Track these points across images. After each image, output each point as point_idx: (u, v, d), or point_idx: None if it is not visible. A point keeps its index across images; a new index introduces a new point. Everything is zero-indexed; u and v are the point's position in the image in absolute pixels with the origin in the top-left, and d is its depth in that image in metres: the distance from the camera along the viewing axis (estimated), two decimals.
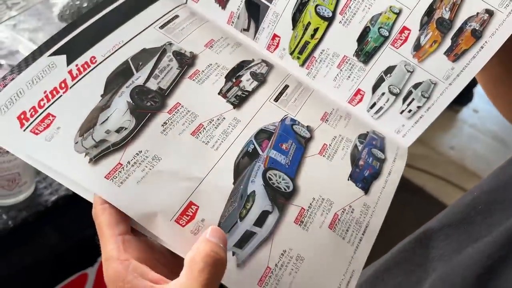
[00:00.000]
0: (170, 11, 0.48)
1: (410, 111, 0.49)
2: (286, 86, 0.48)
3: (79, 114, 0.37)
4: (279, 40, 0.50)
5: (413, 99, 0.48)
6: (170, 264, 0.35)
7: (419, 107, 0.48)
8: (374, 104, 0.50)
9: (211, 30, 0.49)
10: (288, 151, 0.43)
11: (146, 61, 0.42)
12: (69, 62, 0.39)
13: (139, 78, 0.41)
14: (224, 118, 0.42)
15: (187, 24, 0.48)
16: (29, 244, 0.70)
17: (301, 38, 0.49)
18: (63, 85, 0.38)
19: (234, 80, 0.46)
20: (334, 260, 0.39)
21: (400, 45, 0.47)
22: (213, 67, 0.46)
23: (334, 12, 0.47)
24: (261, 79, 0.48)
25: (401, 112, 0.49)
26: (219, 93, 0.44)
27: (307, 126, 0.46)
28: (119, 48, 0.42)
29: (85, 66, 0.39)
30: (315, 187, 0.42)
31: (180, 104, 0.41)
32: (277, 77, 0.49)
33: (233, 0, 0.49)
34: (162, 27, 0.46)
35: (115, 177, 0.35)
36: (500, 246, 0.33)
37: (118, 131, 0.37)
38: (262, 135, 0.43)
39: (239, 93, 0.45)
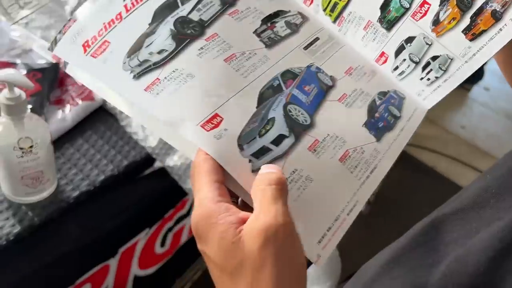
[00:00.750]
0: None
1: (428, 79, 0.49)
2: (317, 38, 0.51)
3: (129, 40, 0.42)
4: None
5: (431, 69, 0.49)
6: None
7: (436, 78, 0.49)
8: (397, 67, 0.51)
9: None
10: (309, 93, 0.46)
11: None
12: None
13: (183, 10, 0.45)
14: (255, 54, 0.46)
15: None
16: (54, 239, 0.71)
17: None
18: (118, 16, 0.43)
19: (269, 24, 0.49)
20: (340, 188, 0.43)
21: (420, 18, 0.48)
22: (251, 10, 0.49)
23: None
24: (294, 28, 0.50)
25: (421, 79, 0.50)
26: (253, 32, 0.47)
27: (331, 76, 0.48)
28: None
29: (138, 0, 0.44)
30: (331, 126, 0.45)
31: (217, 34, 0.45)
32: (310, 29, 0.51)
33: None
34: None
35: (152, 89, 0.40)
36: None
37: (159, 52, 0.42)
38: (288, 75, 0.46)
39: (272, 36, 0.48)
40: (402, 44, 0.50)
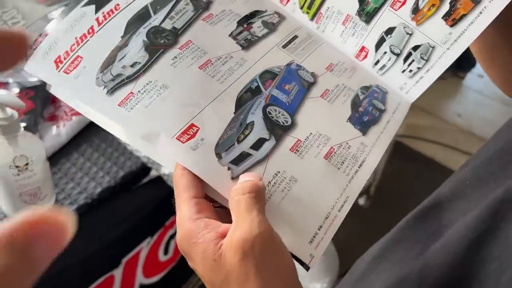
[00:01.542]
0: None
1: (410, 71, 0.49)
2: (295, 37, 0.50)
3: (101, 54, 0.41)
4: None
5: (412, 60, 0.48)
6: None
7: (419, 68, 0.48)
8: (378, 61, 0.50)
9: None
10: (290, 92, 0.45)
11: (164, 4, 0.45)
12: (97, 10, 0.42)
13: (155, 20, 0.44)
14: (231, 57, 0.44)
15: None
16: None
17: None
18: (90, 30, 0.42)
19: (245, 26, 0.48)
20: (327, 185, 0.41)
21: (399, 7, 0.47)
22: (226, 12, 0.48)
23: None
24: (271, 28, 0.49)
25: (403, 71, 0.49)
26: (229, 35, 0.46)
27: (312, 73, 0.47)
28: None
29: (110, 13, 0.43)
30: (313, 124, 0.43)
31: (191, 41, 0.44)
32: (287, 27, 0.50)
33: None
34: None
35: (126, 104, 0.39)
36: (485, 218, 0.33)
37: (132, 65, 0.41)
38: (267, 75, 0.45)
39: (249, 37, 0.47)
40: (383, 36, 0.49)
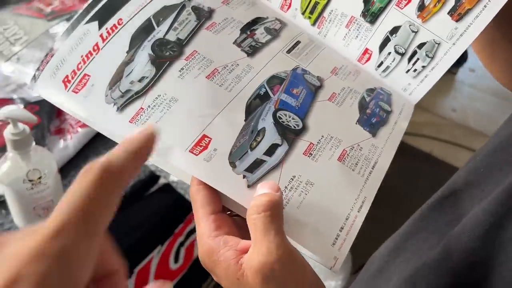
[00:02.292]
0: None
1: (415, 70, 0.49)
2: (298, 42, 0.50)
3: (108, 71, 0.41)
4: (291, 0, 0.51)
5: (418, 59, 0.48)
6: None
7: (423, 67, 0.48)
8: (382, 63, 0.50)
9: None
10: (298, 95, 0.44)
11: (166, 16, 0.45)
12: (100, 26, 0.42)
13: (159, 32, 0.44)
14: (237, 65, 0.44)
15: None
16: None
17: None
18: (95, 47, 0.41)
19: (248, 33, 0.47)
20: (344, 187, 0.41)
21: (405, 6, 0.47)
22: (229, 20, 0.48)
23: None
24: (274, 34, 0.49)
25: (407, 71, 0.49)
26: (233, 43, 0.46)
27: (317, 77, 0.47)
28: (142, 8, 0.44)
29: (113, 28, 0.42)
30: (324, 127, 0.43)
31: (196, 51, 0.44)
32: (290, 33, 0.50)
33: None
34: None
35: (137, 120, 0.39)
36: (503, 202, 0.33)
37: (140, 80, 0.41)
38: (274, 80, 0.45)
39: (253, 43, 0.47)
40: (387, 36, 0.49)
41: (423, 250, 0.40)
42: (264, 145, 0.40)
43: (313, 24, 0.51)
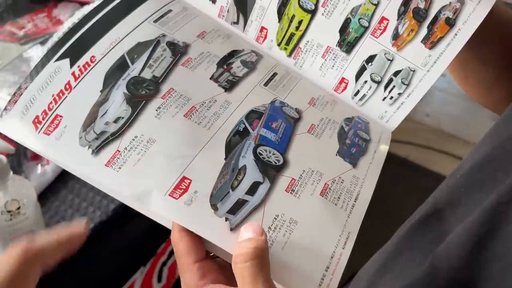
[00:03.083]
0: (163, 6, 0.48)
1: (391, 97, 0.49)
2: (275, 74, 0.49)
3: (82, 111, 0.39)
4: (266, 32, 0.51)
5: (394, 86, 0.49)
6: None
7: (400, 94, 0.49)
8: (358, 91, 0.50)
9: (203, 23, 0.50)
10: (278, 129, 0.43)
11: (141, 53, 0.43)
12: (72, 64, 0.41)
13: (134, 69, 0.42)
14: (215, 101, 0.43)
15: (180, 17, 0.49)
16: None
17: (287, 30, 0.50)
18: (67, 86, 0.40)
19: (225, 67, 0.46)
20: (328, 223, 0.40)
21: (380, 35, 0.48)
22: (205, 55, 0.46)
23: (316, 5, 0.48)
24: (251, 66, 0.48)
25: (383, 99, 0.49)
26: (210, 78, 0.45)
27: (296, 108, 0.46)
28: (116, 45, 0.43)
29: (86, 66, 0.41)
30: (305, 161, 0.42)
31: (173, 89, 0.42)
32: (266, 65, 0.49)
33: None
34: (156, 21, 0.46)
35: (114, 163, 0.37)
36: (484, 222, 0.34)
37: (115, 121, 0.39)
38: (253, 115, 0.44)
39: (230, 78, 0.46)
40: (363, 65, 0.49)
41: (409, 268, 0.39)
42: (245, 184, 0.39)
43: (289, 55, 0.51)
